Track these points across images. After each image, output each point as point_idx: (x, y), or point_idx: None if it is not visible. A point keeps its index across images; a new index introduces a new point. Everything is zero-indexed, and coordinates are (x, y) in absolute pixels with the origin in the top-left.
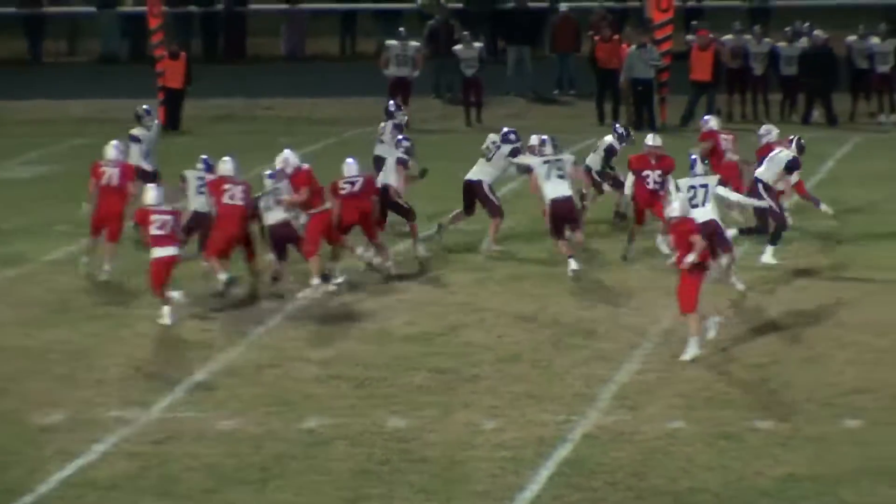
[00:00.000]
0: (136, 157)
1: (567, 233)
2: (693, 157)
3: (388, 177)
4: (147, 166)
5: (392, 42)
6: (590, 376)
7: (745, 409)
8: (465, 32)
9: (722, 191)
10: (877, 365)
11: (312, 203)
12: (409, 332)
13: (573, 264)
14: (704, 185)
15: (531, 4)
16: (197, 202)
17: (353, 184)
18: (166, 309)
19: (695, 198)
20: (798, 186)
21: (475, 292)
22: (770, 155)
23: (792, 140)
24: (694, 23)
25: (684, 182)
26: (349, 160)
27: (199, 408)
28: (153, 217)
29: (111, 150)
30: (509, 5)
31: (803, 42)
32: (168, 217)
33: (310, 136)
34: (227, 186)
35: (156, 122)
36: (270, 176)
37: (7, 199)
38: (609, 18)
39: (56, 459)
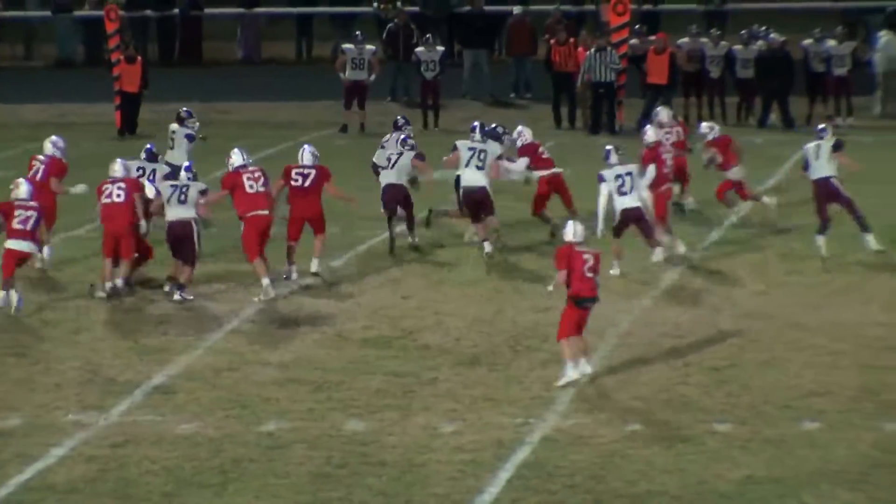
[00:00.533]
0: (180, 155)
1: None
2: (607, 148)
3: (401, 176)
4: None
5: (348, 46)
6: (548, 379)
7: (704, 411)
8: (428, 35)
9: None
10: (834, 368)
11: (240, 206)
12: (367, 336)
13: (487, 247)
14: (629, 173)
15: (488, 8)
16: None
17: (304, 177)
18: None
19: (623, 185)
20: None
21: (431, 296)
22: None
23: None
24: (637, 26)
25: (610, 173)
26: (306, 147)
27: (158, 411)
28: (17, 211)
29: (117, 166)
30: (466, 9)
31: (760, 45)
32: (31, 213)
33: (266, 140)
34: (106, 186)
35: (197, 123)
36: (187, 169)
37: None
38: (565, 22)
39: (14, 463)
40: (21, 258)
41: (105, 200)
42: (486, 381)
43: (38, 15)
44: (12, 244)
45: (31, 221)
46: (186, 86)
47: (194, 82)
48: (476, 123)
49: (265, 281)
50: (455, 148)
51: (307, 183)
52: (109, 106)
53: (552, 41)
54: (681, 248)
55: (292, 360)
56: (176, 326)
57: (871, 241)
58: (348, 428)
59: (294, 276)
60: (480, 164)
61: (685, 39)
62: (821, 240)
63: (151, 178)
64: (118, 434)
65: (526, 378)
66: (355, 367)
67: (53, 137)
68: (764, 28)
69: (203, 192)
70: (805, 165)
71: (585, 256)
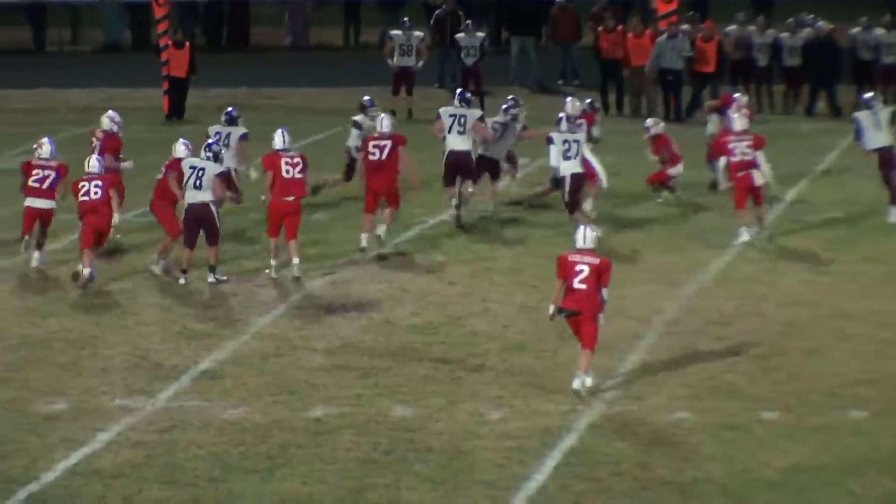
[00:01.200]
0: (353, 142)
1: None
2: (560, 116)
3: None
4: (354, 153)
5: (396, 32)
6: (595, 366)
7: (750, 399)
8: (468, 21)
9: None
10: (880, 356)
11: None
12: (414, 322)
13: (453, 209)
14: (577, 141)
15: None
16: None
17: (380, 149)
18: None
19: (569, 150)
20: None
21: (478, 283)
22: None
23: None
24: (690, 13)
25: (558, 136)
26: (384, 115)
27: (205, 397)
28: (34, 170)
29: (180, 147)
30: None
31: (807, 33)
32: (49, 172)
33: (313, 126)
34: (82, 184)
35: (381, 114)
36: (208, 147)
37: (7, 188)
38: (612, 9)
39: (61, 448)
40: (39, 216)
41: (83, 198)
42: (533, 367)
43: None
44: (29, 201)
45: (48, 180)
46: (234, 71)
47: (241, 68)
48: (458, 90)
49: (272, 261)
50: (438, 116)
51: (383, 155)
52: (157, 91)
53: (600, 28)
54: (745, 237)
55: (340, 346)
56: (223, 311)
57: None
58: (395, 414)
59: (364, 244)
60: (461, 130)
61: (732, 27)
62: (894, 211)
63: (227, 141)
64: (165, 419)
65: (573, 365)
66: (402, 354)
67: (110, 112)
68: (811, 16)
69: (220, 175)
70: (858, 135)
71: (578, 267)
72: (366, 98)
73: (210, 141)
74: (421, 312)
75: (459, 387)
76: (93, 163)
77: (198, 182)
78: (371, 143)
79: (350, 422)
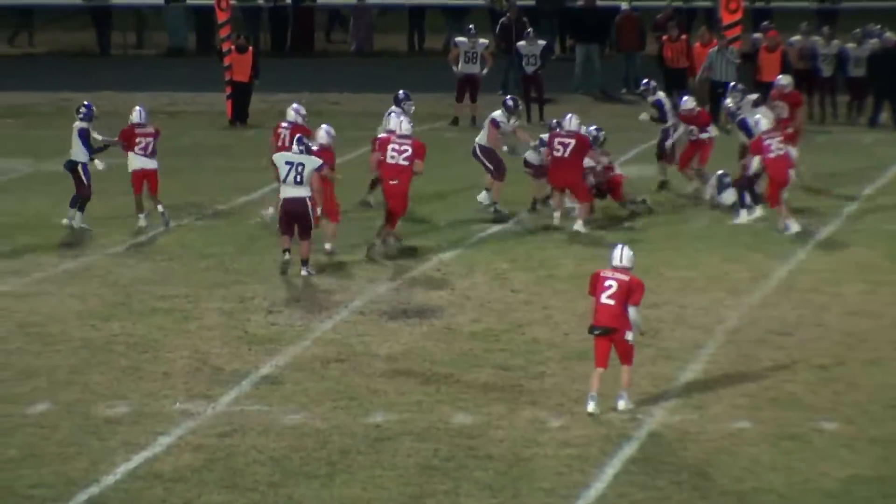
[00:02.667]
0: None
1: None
2: (554, 122)
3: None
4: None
5: (461, 39)
6: (656, 375)
7: (810, 410)
8: (529, 29)
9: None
10: None
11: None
12: (476, 329)
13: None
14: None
15: (600, 3)
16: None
17: (399, 153)
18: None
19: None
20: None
21: (540, 290)
22: None
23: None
24: (764, 23)
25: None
26: (402, 118)
27: (265, 401)
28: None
29: (322, 133)
30: (578, 3)
31: (873, 44)
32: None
33: (377, 132)
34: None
35: (402, 117)
36: (298, 141)
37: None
38: (677, 18)
39: (121, 451)
40: (146, 176)
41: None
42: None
43: (150, 3)
44: (137, 164)
45: (150, 145)
46: (297, 76)
47: (305, 73)
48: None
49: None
50: (497, 125)
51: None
52: (220, 95)
53: (664, 38)
54: (795, 227)
55: (401, 353)
56: (285, 316)
57: None
58: (456, 421)
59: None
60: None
61: (797, 37)
62: None
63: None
64: (225, 423)
65: (634, 373)
66: (464, 360)
67: (294, 105)
68: (878, 27)
69: (318, 169)
70: None
71: (608, 283)
72: (401, 91)
73: (297, 135)
74: (482, 319)
75: (520, 394)
76: (136, 114)
77: (298, 177)
78: (390, 147)
79: (410, 428)
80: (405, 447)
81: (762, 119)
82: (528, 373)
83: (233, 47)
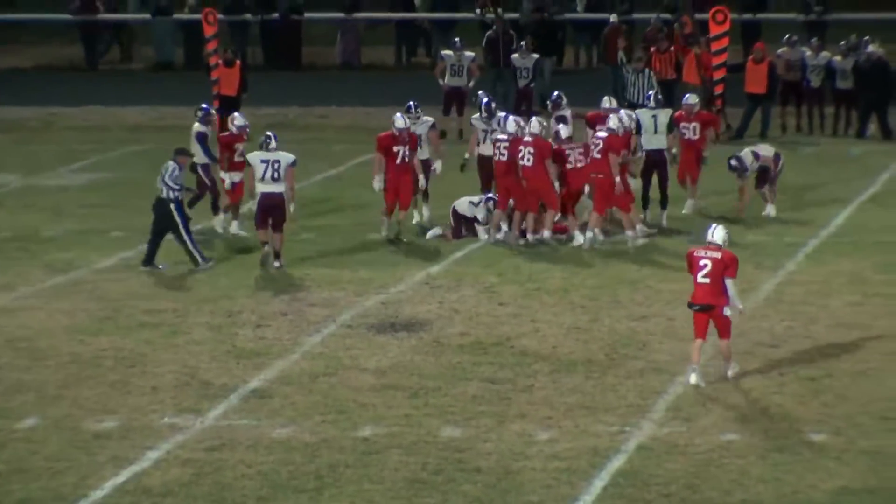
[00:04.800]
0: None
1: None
2: (504, 116)
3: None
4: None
5: (447, 52)
6: (644, 388)
7: (799, 421)
8: (523, 43)
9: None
10: None
11: None
12: (464, 343)
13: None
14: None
15: (588, 15)
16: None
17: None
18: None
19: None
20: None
21: (528, 303)
22: None
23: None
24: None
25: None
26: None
27: (254, 416)
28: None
29: (398, 120)
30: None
31: (862, 55)
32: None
33: (365, 146)
34: None
35: (423, 116)
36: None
37: (60, 205)
38: (665, 31)
39: (110, 466)
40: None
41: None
42: (583, 388)
43: (137, 18)
44: (233, 176)
45: (237, 152)
46: (285, 90)
47: (293, 87)
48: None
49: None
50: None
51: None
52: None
53: (652, 49)
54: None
55: (389, 366)
56: (273, 330)
57: None
58: (444, 434)
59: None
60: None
61: (784, 49)
62: None
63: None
64: (214, 438)
65: (622, 386)
66: (452, 374)
67: (398, 115)
68: (865, 38)
69: (293, 165)
70: None
71: (702, 262)
72: (410, 103)
73: (269, 133)
74: (470, 332)
75: (508, 407)
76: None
77: (275, 174)
78: (394, 147)
79: (399, 442)
80: (393, 461)
81: (562, 128)
82: (516, 386)
83: (220, 61)
